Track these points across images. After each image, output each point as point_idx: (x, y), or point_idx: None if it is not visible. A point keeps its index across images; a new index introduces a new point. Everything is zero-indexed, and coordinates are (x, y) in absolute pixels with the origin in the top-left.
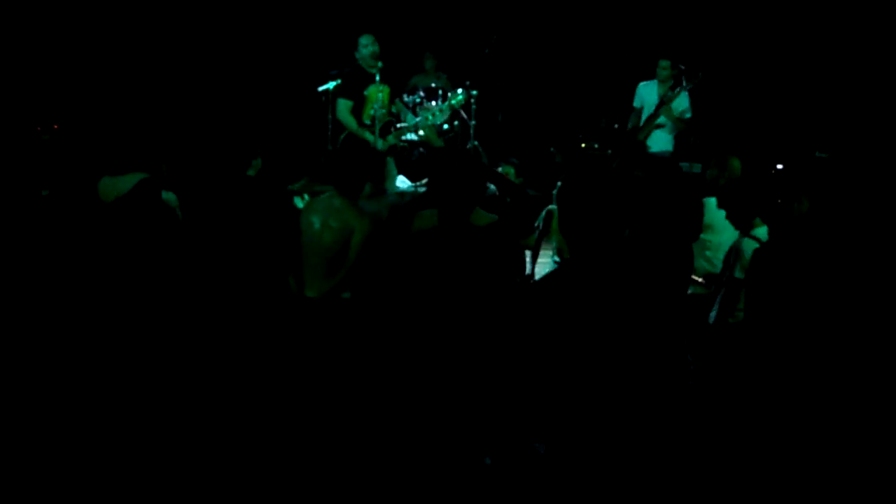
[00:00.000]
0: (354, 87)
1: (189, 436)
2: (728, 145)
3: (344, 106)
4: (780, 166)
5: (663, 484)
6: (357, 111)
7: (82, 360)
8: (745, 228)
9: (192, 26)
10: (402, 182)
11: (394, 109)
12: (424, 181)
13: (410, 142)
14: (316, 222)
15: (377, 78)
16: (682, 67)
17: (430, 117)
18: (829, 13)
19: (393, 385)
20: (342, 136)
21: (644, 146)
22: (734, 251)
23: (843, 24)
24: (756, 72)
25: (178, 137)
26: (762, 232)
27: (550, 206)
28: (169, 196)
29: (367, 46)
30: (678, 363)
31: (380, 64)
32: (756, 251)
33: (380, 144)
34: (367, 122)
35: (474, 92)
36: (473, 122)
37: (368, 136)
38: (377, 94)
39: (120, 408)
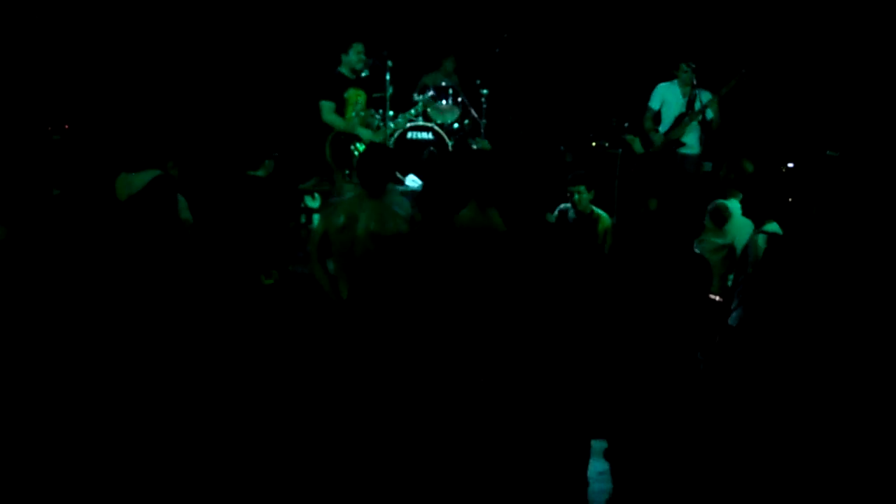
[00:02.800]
0: (334, 89)
1: (199, 434)
2: (740, 145)
3: (327, 108)
4: (790, 165)
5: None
6: (339, 113)
7: (94, 359)
8: (758, 224)
9: (203, 26)
10: (413, 181)
11: (371, 112)
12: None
13: (420, 141)
14: (353, 223)
15: (388, 76)
16: (744, 71)
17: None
18: (840, 13)
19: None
20: (330, 137)
21: (680, 144)
22: (749, 247)
23: (853, 23)
24: (767, 70)
25: (189, 137)
26: (773, 227)
27: (563, 206)
28: (179, 198)
29: (358, 53)
30: (689, 362)
31: (389, 63)
32: (766, 250)
33: (378, 139)
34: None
35: (484, 91)
36: (484, 121)
37: (366, 133)
38: (356, 97)
39: (128, 404)
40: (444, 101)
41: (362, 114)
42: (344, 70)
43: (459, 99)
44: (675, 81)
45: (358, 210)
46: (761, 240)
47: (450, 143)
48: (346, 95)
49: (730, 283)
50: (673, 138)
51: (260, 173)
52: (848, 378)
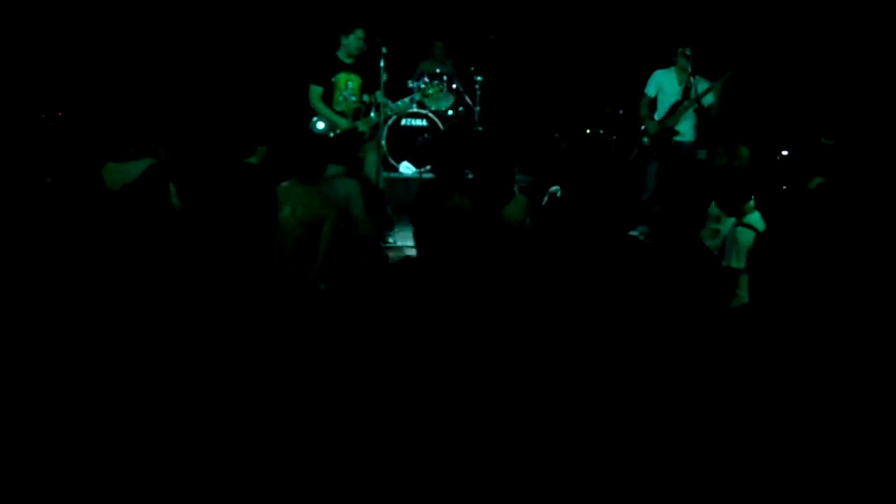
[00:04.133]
0: (322, 73)
1: (188, 426)
2: (735, 132)
3: (314, 93)
4: (785, 153)
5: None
6: (327, 98)
7: (85, 350)
8: (738, 216)
9: (197, 13)
10: (407, 168)
11: (365, 98)
12: (429, 167)
13: (414, 127)
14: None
15: (382, 63)
16: (742, 62)
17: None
18: (835, 2)
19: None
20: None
21: (674, 132)
22: (730, 239)
23: (848, 12)
24: (763, 58)
25: (182, 125)
26: (754, 218)
27: (553, 188)
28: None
29: (358, 39)
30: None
31: (384, 50)
32: (759, 236)
33: (360, 127)
34: (338, 108)
35: (479, 78)
36: (478, 108)
37: (342, 121)
38: (346, 81)
39: (120, 398)
40: (427, 87)
41: (352, 99)
42: (340, 53)
43: (454, 86)
44: (673, 68)
45: (285, 198)
46: (741, 233)
47: (443, 130)
48: (334, 79)
49: None
50: (668, 126)
51: (252, 160)
52: (849, 366)
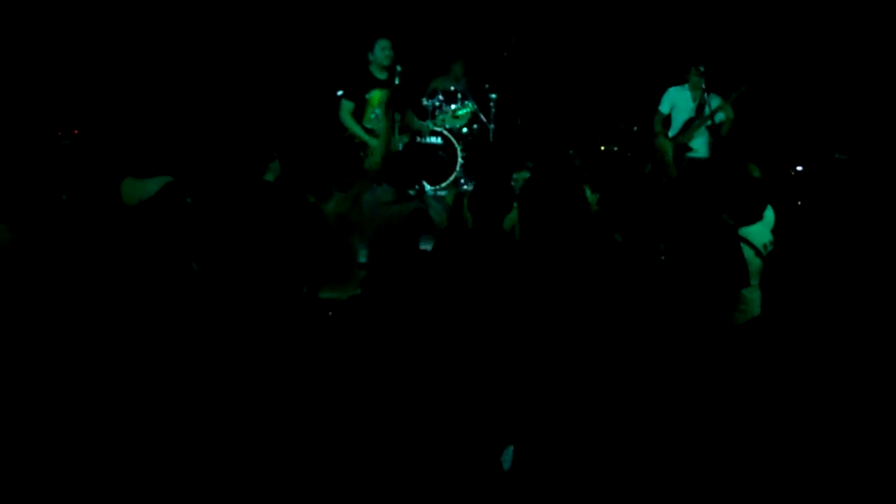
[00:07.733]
0: (357, 90)
1: (202, 437)
2: (748, 149)
3: (345, 108)
4: (799, 168)
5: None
6: (359, 115)
7: (101, 367)
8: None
9: (208, 26)
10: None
11: (397, 117)
12: (444, 184)
13: (430, 145)
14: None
15: (397, 81)
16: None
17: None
18: (849, 17)
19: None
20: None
21: (688, 149)
22: None
23: (862, 27)
24: (776, 74)
25: (195, 140)
26: (753, 230)
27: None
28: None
29: (383, 50)
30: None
31: (398, 68)
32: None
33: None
34: (369, 126)
35: (493, 95)
36: (492, 126)
37: (371, 140)
38: (379, 98)
39: (134, 411)
40: (452, 106)
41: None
42: (374, 70)
43: (467, 103)
44: (686, 86)
45: None
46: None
47: (459, 148)
48: (368, 96)
49: None
50: (681, 143)
51: (267, 177)
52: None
